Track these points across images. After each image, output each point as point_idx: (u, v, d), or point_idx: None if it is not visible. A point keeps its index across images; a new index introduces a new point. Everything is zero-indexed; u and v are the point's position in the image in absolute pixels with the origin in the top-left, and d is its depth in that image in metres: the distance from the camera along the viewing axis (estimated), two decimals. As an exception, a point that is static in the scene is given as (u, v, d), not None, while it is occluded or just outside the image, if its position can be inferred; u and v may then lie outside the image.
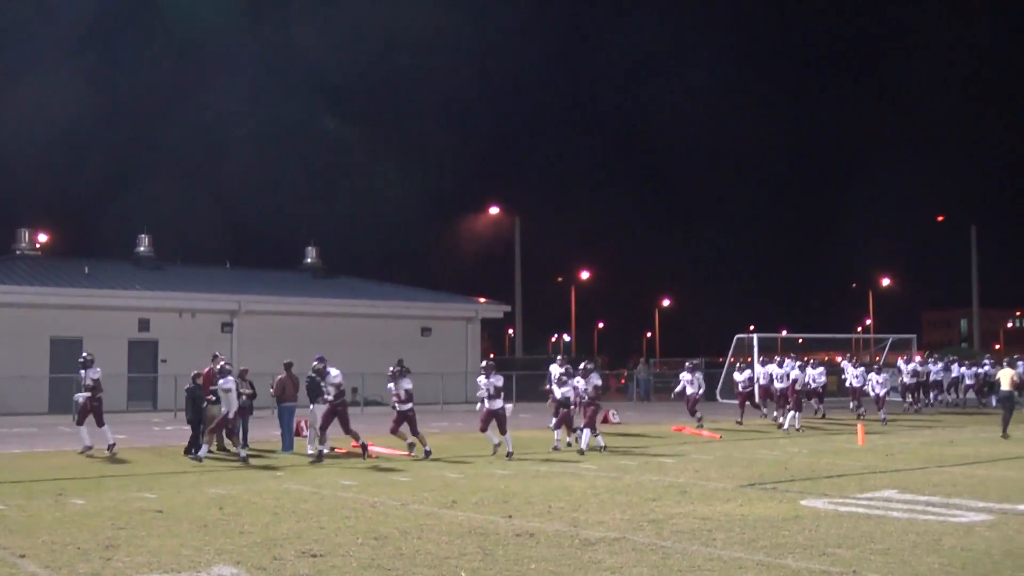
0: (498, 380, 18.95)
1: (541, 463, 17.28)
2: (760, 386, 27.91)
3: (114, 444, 18.62)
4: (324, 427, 18.10)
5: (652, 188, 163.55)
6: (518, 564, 8.62)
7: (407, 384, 18.40)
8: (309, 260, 47.23)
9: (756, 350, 38.65)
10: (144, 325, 36.27)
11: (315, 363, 18.77)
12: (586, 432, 19.23)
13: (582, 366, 20.61)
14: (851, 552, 9.05)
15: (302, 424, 20.48)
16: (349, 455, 18.39)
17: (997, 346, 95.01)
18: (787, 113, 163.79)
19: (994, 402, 33.42)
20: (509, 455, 18.05)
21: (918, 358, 37.81)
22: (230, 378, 18.22)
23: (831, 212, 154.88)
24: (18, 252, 40.59)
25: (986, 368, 36.38)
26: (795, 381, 25.97)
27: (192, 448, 18.66)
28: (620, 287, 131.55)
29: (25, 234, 41.28)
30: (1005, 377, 23.06)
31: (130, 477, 15.29)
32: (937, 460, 17.53)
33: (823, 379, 28.27)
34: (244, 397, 19.49)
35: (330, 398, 18.27)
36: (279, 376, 20.13)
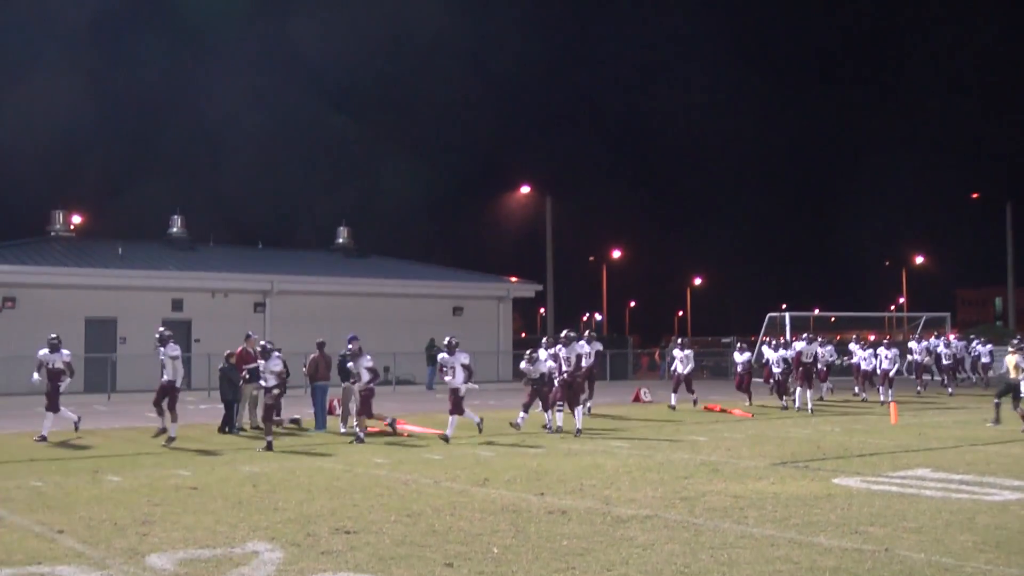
0: (464, 358, 18.26)
1: (573, 442, 17.29)
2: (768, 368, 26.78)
3: (78, 420, 18.79)
4: (361, 412, 17.90)
5: (684, 167, 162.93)
6: (550, 541, 8.65)
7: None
8: (341, 240, 47.36)
9: (788, 328, 38.56)
10: (177, 305, 36.54)
11: (349, 346, 18.70)
12: (567, 412, 18.80)
13: (563, 334, 19.88)
14: (884, 530, 9.03)
15: (335, 403, 20.59)
16: (382, 434, 18.46)
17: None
18: (823, 90, 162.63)
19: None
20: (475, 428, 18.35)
21: (953, 337, 37.50)
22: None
23: (865, 190, 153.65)
24: (53, 234, 40.91)
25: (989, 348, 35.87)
26: (813, 358, 25.32)
27: (226, 426, 18.83)
28: (652, 266, 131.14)
29: (59, 216, 41.60)
30: (1011, 363, 19.78)
31: (165, 454, 15.43)
32: (971, 439, 17.41)
33: (832, 358, 27.92)
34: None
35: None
36: (312, 355, 20.23)
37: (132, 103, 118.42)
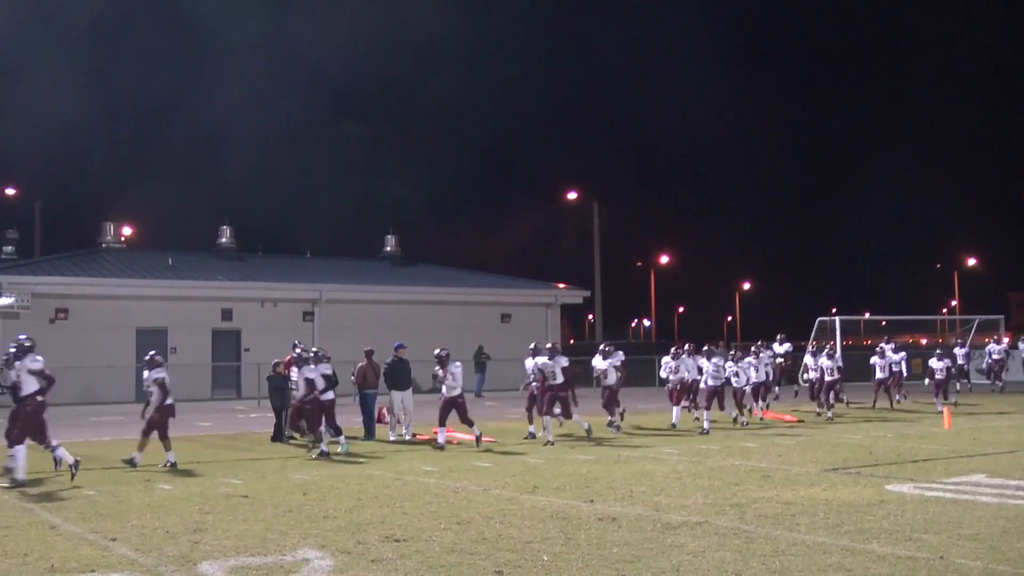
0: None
1: (622, 448, 17.23)
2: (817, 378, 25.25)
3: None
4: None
5: (731, 170, 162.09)
6: (600, 548, 8.61)
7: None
8: (388, 248, 47.51)
9: (839, 333, 38.18)
10: (227, 315, 36.82)
11: (395, 353, 18.92)
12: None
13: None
14: (938, 538, 8.90)
15: (383, 411, 20.63)
16: (431, 442, 18.45)
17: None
18: (872, 92, 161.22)
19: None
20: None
21: (1006, 340, 37.01)
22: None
23: (914, 192, 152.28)
24: (104, 245, 41.43)
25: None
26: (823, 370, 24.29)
27: (278, 435, 18.94)
28: (701, 271, 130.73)
29: (110, 228, 42.15)
30: None
31: (215, 463, 15.53)
32: (1027, 443, 17.14)
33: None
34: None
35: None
36: (360, 364, 20.29)
37: (177, 115, 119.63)
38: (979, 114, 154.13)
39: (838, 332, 38.10)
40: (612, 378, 20.13)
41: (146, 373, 16.10)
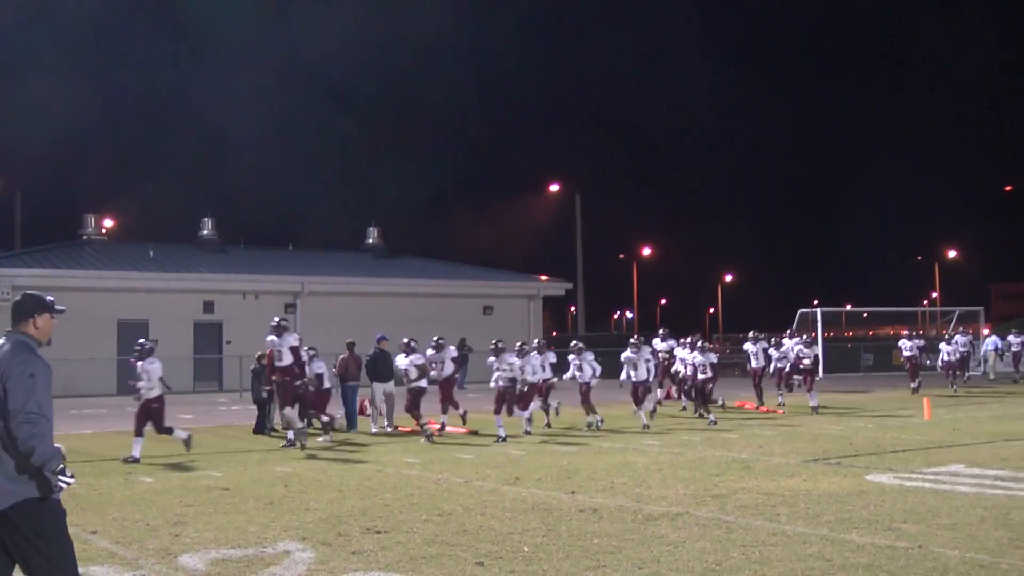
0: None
1: (604, 440, 17.26)
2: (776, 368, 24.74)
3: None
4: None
5: (714, 163, 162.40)
6: (581, 539, 8.63)
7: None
8: (371, 240, 47.40)
9: (820, 325, 38.34)
10: (209, 307, 36.73)
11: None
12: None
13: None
14: (917, 527, 8.96)
15: (365, 403, 20.63)
16: (413, 433, 18.48)
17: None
18: (853, 85, 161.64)
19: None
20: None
21: (971, 332, 37.20)
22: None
23: (896, 185, 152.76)
24: (85, 237, 41.20)
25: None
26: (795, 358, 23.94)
27: (260, 428, 18.92)
28: (683, 263, 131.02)
29: (91, 219, 41.87)
30: None
31: (197, 456, 15.49)
32: (1005, 434, 17.24)
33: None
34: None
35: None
36: (342, 356, 20.30)
37: (159, 107, 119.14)
38: (962, 106, 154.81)
39: (819, 323, 38.26)
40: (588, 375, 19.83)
41: (140, 363, 16.36)
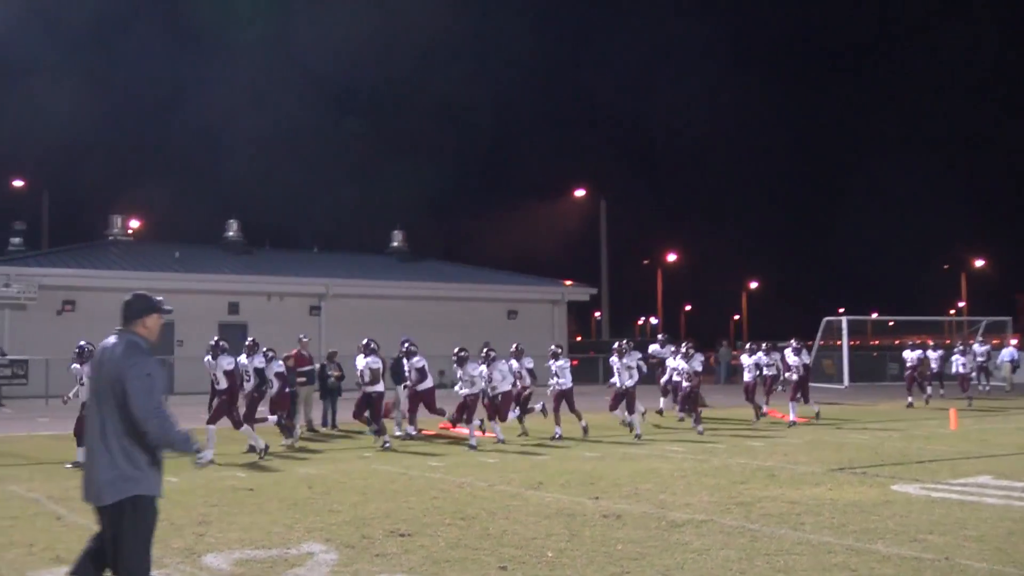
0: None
1: (629, 446, 17.22)
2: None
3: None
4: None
5: (741, 170, 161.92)
6: (604, 545, 8.61)
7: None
8: (395, 244, 47.44)
9: (846, 333, 38.15)
10: (234, 308, 36.86)
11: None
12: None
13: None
14: (943, 539, 8.89)
15: (389, 405, 20.62)
16: (438, 436, 18.48)
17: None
18: (886, 92, 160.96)
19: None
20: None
21: (1014, 342, 36.91)
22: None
23: (924, 193, 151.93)
24: (111, 238, 41.44)
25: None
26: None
27: (284, 430, 18.94)
28: (708, 270, 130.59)
29: (118, 220, 42.10)
30: None
31: (221, 456, 15.53)
32: (1033, 445, 17.10)
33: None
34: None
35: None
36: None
37: (186, 109, 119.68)
38: (987, 114, 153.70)
39: (845, 331, 38.06)
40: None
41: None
